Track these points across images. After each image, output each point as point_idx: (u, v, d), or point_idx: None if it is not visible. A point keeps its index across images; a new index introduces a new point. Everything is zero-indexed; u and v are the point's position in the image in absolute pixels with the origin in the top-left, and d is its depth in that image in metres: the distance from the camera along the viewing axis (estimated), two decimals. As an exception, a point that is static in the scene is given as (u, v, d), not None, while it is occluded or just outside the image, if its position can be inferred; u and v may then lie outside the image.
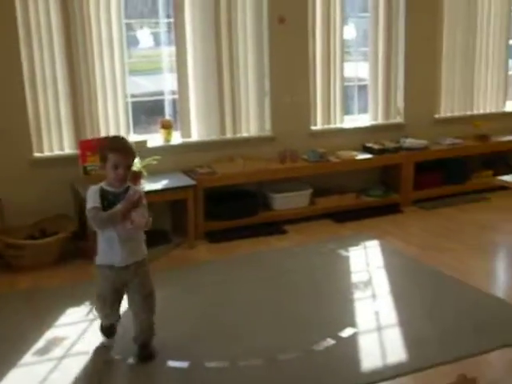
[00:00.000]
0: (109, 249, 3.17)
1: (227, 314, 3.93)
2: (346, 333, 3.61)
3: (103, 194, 3.09)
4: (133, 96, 5.50)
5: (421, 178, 6.26)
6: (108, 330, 3.53)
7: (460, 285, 4.27)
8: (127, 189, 3.15)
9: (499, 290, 4.25)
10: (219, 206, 5.46)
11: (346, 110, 6.41)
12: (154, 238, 4.86)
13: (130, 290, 3.27)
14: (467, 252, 4.93)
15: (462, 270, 4.52)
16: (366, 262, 4.83)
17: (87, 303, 4.07)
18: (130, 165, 3.14)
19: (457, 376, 1.75)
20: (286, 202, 5.71)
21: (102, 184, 3.15)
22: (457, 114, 6.75)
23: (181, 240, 5.27)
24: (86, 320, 3.85)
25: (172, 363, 3.30)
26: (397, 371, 3.17)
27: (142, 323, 3.31)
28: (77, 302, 4.12)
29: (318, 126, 6.13)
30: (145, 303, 3.27)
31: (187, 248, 5.18)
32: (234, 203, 5.48)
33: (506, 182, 5.12)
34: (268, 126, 5.88)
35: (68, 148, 5.17)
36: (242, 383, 3.14)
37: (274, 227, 5.57)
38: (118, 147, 3.10)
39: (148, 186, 4.93)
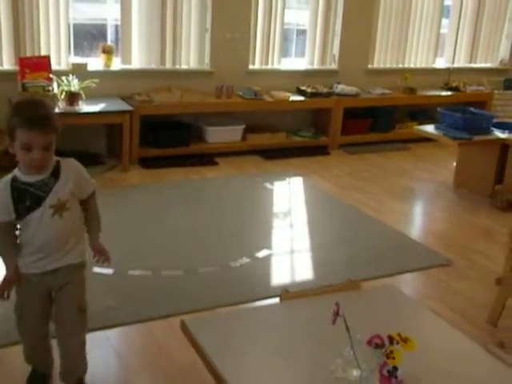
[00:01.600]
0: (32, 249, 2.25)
1: (155, 232, 4.20)
2: (262, 254, 3.95)
3: (18, 188, 2.14)
4: (76, 20, 5.55)
5: (349, 123, 6.60)
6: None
7: (372, 221, 4.66)
8: (56, 172, 2.19)
9: (406, 227, 4.67)
10: (155, 134, 5.65)
11: (284, 53, 6.63)
12: (88, 159, 5.02)
13: (57, 301, 2.34)
14: (384, 195, 5.33)
15: (377, 209, 4.92)
16: (289, 195, 5.17)
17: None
18: (51, 142, 2.11)
19: (344, 280, 2.07)
20: (219, 135, 5.95)
21: (16, 172, 2.18)
22: (388, 66, 7.10)
23: (115, 163, 5.46)
24: None
25: (97, 269, 3.54)
26: (303, 287, 3.53)
27: (71, 351, 2.38)
28: None
29: (256, 65, 6.34)
30: (77, 321, 2.35)
31: (120, 171, 5.37)
32: (169, 132, 5.68)
33: (427, 132, 5.53)
34: (207, 60, 6.05)
35: (7, 64, 5.21)
36: (162, 289, 3.43)
37: (206, 158, 5.82)
38: (31, 120, 2.08)
39: (85, 107, 5.05)
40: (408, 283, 3.77)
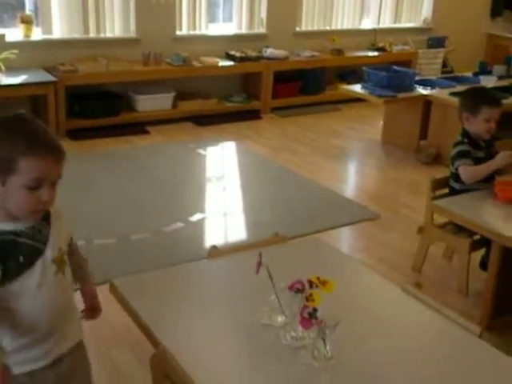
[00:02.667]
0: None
1: (86, 202, 4.16)
2: (195, 217, 3.99)
3: (1, 241, 1.51)
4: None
5: (280, 87, 6.65)
6: None
7: (304, 181, 4.75)
8: (45, 214, 1.61)
9: (337, 185, 4.78)
10: (82, 105, 5.54)
11: (212, 18, 6.58)
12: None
13: None
14: (316, 155, 5.42)
15: (308, 170, 5.01)
16: (222, 160, 5.21)
17: None
18: (59, 176, 1.58)
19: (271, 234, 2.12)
20: (149, 103, 5.89)
21: None
22: (316, 28, 7.15)
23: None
24: None
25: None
26: (237, 248, 3.59)
27: None
28: None
29: (184, 31, 6.28)
30: None
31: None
32: (97, 102, 5.58)
33: (354, 91, 5.64)
34: (133, 27, 5.94)
35: None
36: (96, 258, 3.41)
37: (137, 127, 5.76)
38: (46, 145, 1.50)
39: (5, 80, 4.90)
40: (338, 238, 3.89)
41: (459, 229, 3.22)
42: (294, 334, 1.79)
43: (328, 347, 1.74)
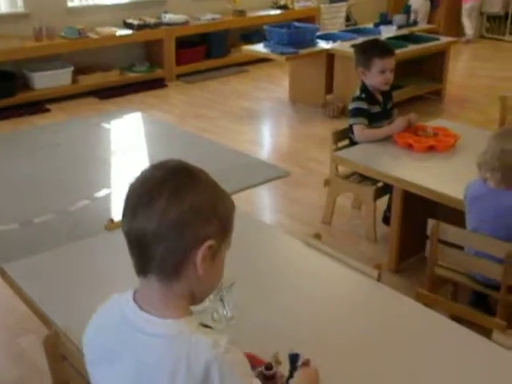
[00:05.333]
0: None
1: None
2: (101, 193, 3.86)
3: None
4: None
5: (184, 53, 6.50)
6: None
7: (212, 145, 4.69)
8: None
9: (247, 146, 4.74)
10: (-28, 88, 5.23)
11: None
12: None
13: None
14: (224, 119, 5.36)
15: (217, 133, 4.95)
16: (127, 132, 5.06)
17: None
18: None
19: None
20: (46, 80, 5.61)
21: None
22: (215, -11, 7.01)
23: None
24: None
25: None
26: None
27: None
28: None
29: (76, 1, 6.00)
30: None
31: None
32: (-11, 84, 5.29)
33: (256, 51, 5.59)
34: (20, 1, 5.62)
35: None
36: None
37: (36, 106, 5.49)
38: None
39: None
40: (248, 199, 3.86)
41: (363, 178, 3.26)
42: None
43: (227, 308, 1.71)
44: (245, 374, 1.13)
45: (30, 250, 3.17)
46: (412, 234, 2.87)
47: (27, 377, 2.41)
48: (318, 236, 2.12)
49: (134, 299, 1.14)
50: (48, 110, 5.50)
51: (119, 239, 2.11)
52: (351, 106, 3.22)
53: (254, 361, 1.40)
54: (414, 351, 1.60)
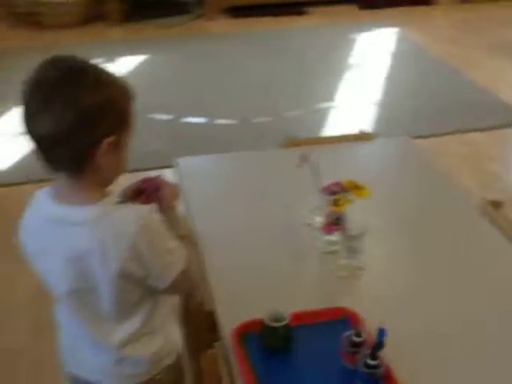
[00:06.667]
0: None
1: (223, 83, 4.16)
2: (320, 106, 3.83)
3: None
4: None
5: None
6: None
7: (457, 76, 4.28)
8: None
9: (498, 86, 4.22)
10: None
11: None
12: (173, 7, 5.02)
13: None
14: (488, 50, 4.78)
15: (470, 65, 4.45)
16: (372, 47, 4.84)
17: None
18: None
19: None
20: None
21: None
22: None
23: (201, 12, 5.37)
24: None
25: (156, 116, 3.66)
26: (315, 141, 3.42)
27: None
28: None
29: None
30: None
31: (206, 20, 5.29)
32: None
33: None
34: None
35: None
36: (215, 137, 3.48)
37: (297, 8, 5.53)
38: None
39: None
40: (466, 142, 3.48)
41: None
42: (328, 237, 1.69)
43: (355, 256, 1.62)
44: (169, 237, 1.22)
45: (245, 146, 3.31)
46: None
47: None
48: (496, 204, 1.85)
49: (53, 196, 1.20)
50: (304, 13, 5.50)
51: (285, 159, 2.01)
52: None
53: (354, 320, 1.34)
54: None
